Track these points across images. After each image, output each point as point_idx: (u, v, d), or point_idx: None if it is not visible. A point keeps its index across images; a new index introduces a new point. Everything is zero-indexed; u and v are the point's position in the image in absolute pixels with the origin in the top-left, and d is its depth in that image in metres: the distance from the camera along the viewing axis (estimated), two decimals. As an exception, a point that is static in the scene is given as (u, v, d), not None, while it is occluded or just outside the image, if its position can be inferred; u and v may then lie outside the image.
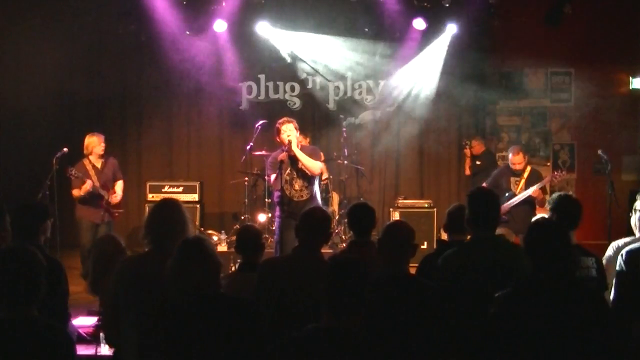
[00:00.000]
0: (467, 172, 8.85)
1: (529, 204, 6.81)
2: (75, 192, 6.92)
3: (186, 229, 3.37)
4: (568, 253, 2.77)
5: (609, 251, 3.97)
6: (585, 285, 2.87)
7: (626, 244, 3.96)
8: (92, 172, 7.01)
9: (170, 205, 3.44)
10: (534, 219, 3.06)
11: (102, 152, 7.08)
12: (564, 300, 2.68)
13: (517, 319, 2.70)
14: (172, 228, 3.32)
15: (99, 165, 7.11)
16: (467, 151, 8.85)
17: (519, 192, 6.84)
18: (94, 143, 7.04)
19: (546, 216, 3.80)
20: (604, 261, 3.80)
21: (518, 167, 6.96)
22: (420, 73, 9.50)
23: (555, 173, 7.11)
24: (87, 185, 6.80)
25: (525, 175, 6.95)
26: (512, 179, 7.00)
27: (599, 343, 2.64)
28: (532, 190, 6.71)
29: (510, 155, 7.07)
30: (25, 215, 3.66)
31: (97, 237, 7.00)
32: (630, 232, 4.10)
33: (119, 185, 7.28)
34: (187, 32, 9.10)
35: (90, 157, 7.07)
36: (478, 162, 8.62)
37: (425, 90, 9.57)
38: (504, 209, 6.85)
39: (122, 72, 9.61)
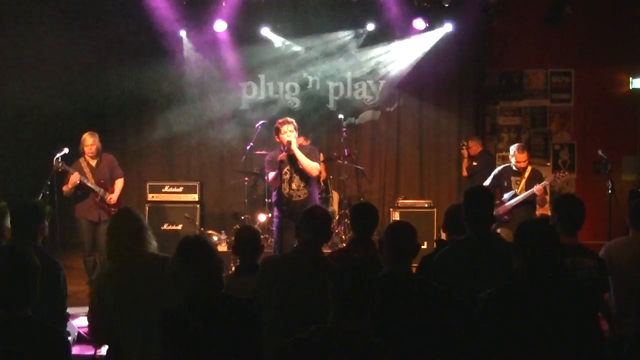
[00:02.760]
0: (464, 173, 8.85)
1: (530, 204, 6.80)
2: (64, 188, 6.86)
3: (140, 237, 3.43)
4: (555, 253, 2.77)
5: (602, 252, 3.97)
6: (574, 285, 2.87)
7: (618, 244, 3.97)
8: (86, 170, 6.99)
9: (121, 217, 3.52)
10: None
11: (90, 152, 7.00)
12: (550, 300, 2.68)
13: (501, 318, 2.70)
14: (126, 238, 3.39)
15: (94, 163, 7.08)
16: (464, 152, 8.85)
17: (520, 192, 6.82)
18: (84, 142, 7.03)
19: (547, 215, 3.81)
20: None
21: (522, 164, 6.92)
22: (418, 72, 9.50)
23: (558, 174, 7.06)
24: (74, 178, 6.75)
25: (526, 175, 6.92)
26: (513, 179, 6.97)
27: (585, 343, 2.64)
28: (535, 189, 6.66)
29: (514, 153, 6.99)
30: (23, 216, 3.66)
31: (98, 236, 6.98)
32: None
33: (118, 183, 7.19)
34: (185, 31, 9.11)
35: (86, 156, 7.04)
36: (475, 163, 8.62)
37: (423, 89, 9.59)
38: (505, 209, 6.85)
39: (123, 72, 9.60)
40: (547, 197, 6.99)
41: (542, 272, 2.71)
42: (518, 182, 6.94)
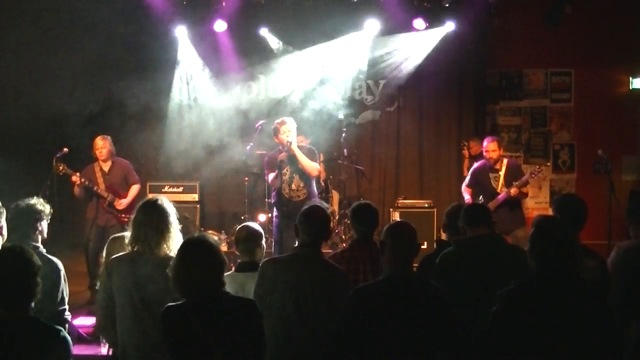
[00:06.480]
0: (465, 173, 8.81)
1: (509, 203, 6.64)
2: (74, 190, 6.80)
3: (171, 227, 3.36)
4: (573, 252, 2.76)
5: (613, 253, 3.93)
6: (588, 285, 2.86)
7: (630, 247, 3.93)
8: (98, 175, 6.91)
9: (152, 205, 3.43)
10: (537, 216, 3.03)
11: (101, 156, 6.92)
12: (566, 299, 2.68)
13: (519, 316, 2.69)
14: (156, 227, 3.31)
15: (106, 168, 6.99)
16: (465, 152, 8.84)
17: (501, 189, 6.67)
18: (95, 145, 6.96)
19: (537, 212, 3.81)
20: (609, 264, 3.76)
21: (493, 154, 6.73)
22: (418, 72, 9.51)
23: (534, 170, 6.84)
24: (74, 179, 6.67)
25: (503, 170, 6.76)
26: (491, 175, 6.80)
27: (599, 343, 2.64)
28: (512, 192, 6.53)
29: (485, 143, 6.86)
30: (22, 215, 3.65)
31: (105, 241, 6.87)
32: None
33: (133, 189, 7.07)
34: (185, 31, 9.13)
35: (99, 160, 6.96)
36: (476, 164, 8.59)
37: (423, 89, 9.60)
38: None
39: (122, 72, 9.60)
40: (527, 190, 6.84)
41: (555, 271, 2.70)
42: (497, 179, 6.77)
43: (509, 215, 6.56)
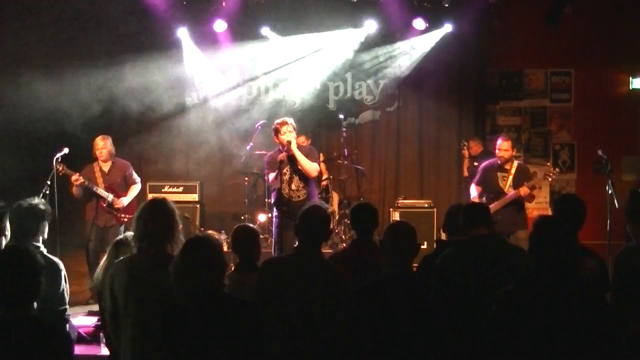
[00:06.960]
0: (465, 173, 8.82)
1: (516, 203, 6.58)
2: (72, 190, 6.80)
3: (177, 227, 3.36)
4: (573, 252, 2.76)
5: (622, 256, 3.89)
6: (587, 285, 2.87)
7: (630, 247, 3.91)
8: (98, 175, 6.92)
9: (159, 205, 3.43)
10: (537, 217, 3.03)
11: (102, 156, 6.92)
12: (565, 299, 2.68)
13: (518, 316, 2.70)
14: (163, 228, 3.32)
15: (106, 168, 6.99)
16: (465, 152, 8.83)
17: (508, 190, 6.60)
18: (95, 146, 6.95)
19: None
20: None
21: (505, 154, 6.65)
22: (418, 72, 9.52)
23: (550, 171, 6.79)
24: (74, 178, 6.67)
25: (513, 171, 6.67)
26: (500, 175, 6.72)
27: (598, 343, 2.64)
28: (521, 191, 6.44)
29: (499, 141, 6.77)
30: (24, 216, 3.65)
31: (106, 240, 6.86)
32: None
33: (132, 189, 7.08)
34: (185, 31, 9.14)
35: (99, 160, 6.97)
36: (476, 164, 8.57)
37: (423, 89, 9.61)
38: (493, 209, 6.62)
39: (122, 72, 9.60)
40: (534, 192, 6.78)
41: (555, 271, 2.71)
42: (505, 179, 6.68)
43: (515, 216, 6.50)
